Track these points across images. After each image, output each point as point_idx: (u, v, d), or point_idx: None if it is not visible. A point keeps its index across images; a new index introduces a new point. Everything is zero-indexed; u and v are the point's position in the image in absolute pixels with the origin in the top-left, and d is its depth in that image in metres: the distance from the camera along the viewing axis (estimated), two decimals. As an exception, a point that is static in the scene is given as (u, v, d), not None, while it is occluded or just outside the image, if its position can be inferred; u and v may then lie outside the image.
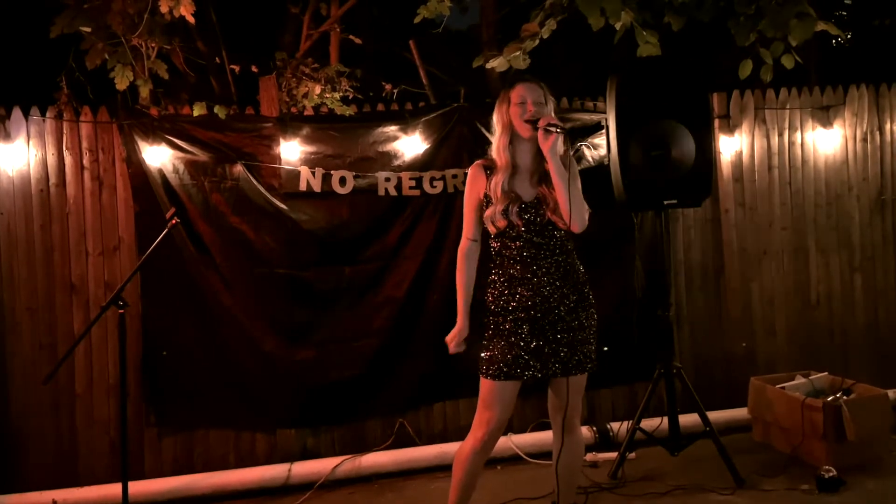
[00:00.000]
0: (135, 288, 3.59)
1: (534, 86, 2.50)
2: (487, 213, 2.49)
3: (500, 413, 2.48)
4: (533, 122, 2.43)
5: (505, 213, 2.45)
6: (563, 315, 2.47)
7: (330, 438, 3.80)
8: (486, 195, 2.52)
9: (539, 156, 2.48)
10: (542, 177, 2.49)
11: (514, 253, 2.48)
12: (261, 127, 3.69)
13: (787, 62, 3.41)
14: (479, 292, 2.60)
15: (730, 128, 4.25)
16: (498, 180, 2.48)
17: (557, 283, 2.47)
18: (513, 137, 2.50)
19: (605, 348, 3.92)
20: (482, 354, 2.51)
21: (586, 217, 2.45)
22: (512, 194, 2.47)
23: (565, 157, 2.47)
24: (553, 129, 2.37)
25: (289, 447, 3.73)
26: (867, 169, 4.44)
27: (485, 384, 2.49)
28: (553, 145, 2.38)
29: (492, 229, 2.51)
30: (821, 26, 3.24)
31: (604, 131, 3.91)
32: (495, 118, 2.55)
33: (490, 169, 2.53)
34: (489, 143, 2.62)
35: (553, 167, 2.40)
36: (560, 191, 2.40)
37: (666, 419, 3.54)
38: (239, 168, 3.64)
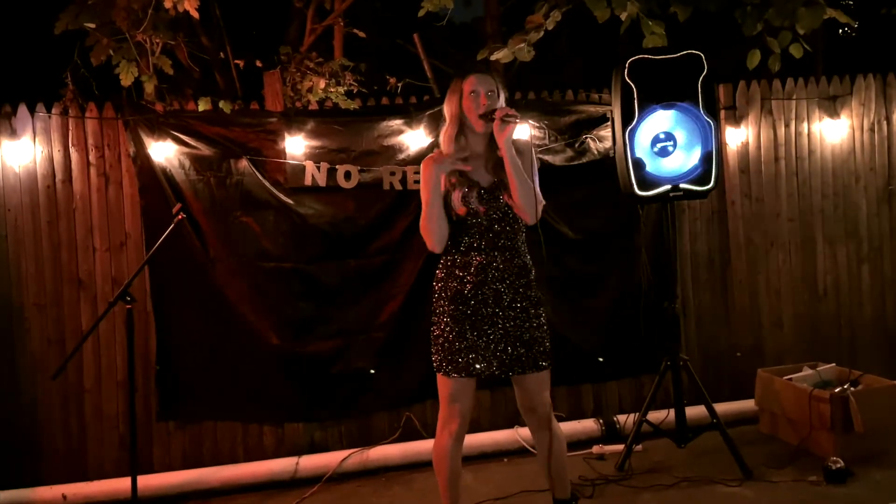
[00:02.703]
0: (143, 283, 3.61)
1: (486, 77, 2.48)
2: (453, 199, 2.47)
3: (467, 403, 2.51)
4: (488, 115, 2.41)
5: (464, 199, 2.44)
6: (515, 312, 2.46)
7: (337, 432, 3.81)
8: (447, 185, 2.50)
9: (492, 143, 2.47)
10: (497, 163, 2.47)
11: (470, 242, 2.46)
12: (265, 122, 3.69)
13: (796, 51, 3.39)
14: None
15: (736, 119, 4.23)
16: (451, 175, 2.46)
17: (503, 279, 2.46)
18: (463, 128, 2.49)
19: (601, 359, 3.95)
20: (435, 351, 2.51)
21: (539, 209, 2.44)
22: (469, 181, 2.46)
23: (528, 149, 2.47)
24: (510, 119, 2.35)
25: (296, 441, 3.75)
26: (874, 159, 4.41)
27: (443, 381, 2.50)
28: (508, 136, 2.37)
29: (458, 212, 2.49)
30: (830, 13, 3.22)
31: (609, 123, 3.90)
32: (445, 108, 2.52)
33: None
34: None
35: (507, 158, 2.38)
36: (513, 181, 2.40)
37: (673, 411, 3.54)
38: (244, 163, 3.64)
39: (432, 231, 2.45)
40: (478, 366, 2.45)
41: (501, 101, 2.49)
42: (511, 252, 2.48)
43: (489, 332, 2.46)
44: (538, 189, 2.46)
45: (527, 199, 2.40)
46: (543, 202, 2.47)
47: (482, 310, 2.45)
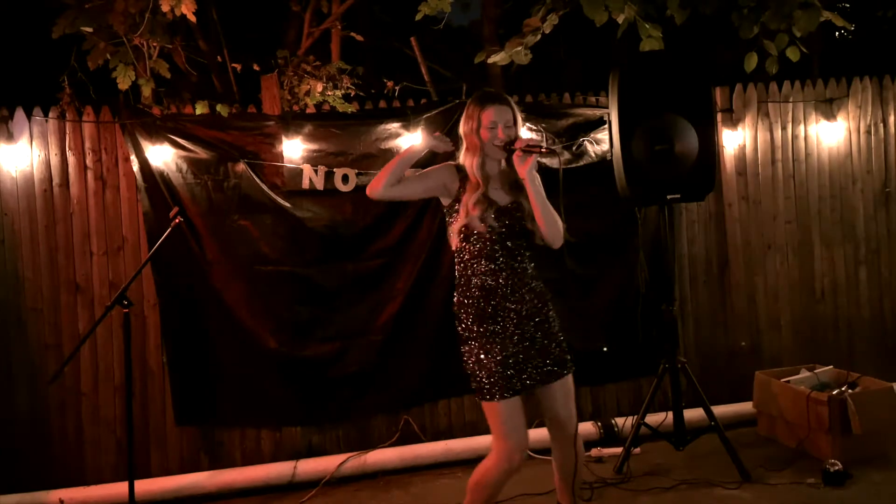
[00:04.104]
0: (140, 287, 3.61)
1: (504, 108, 2.46)
2: (456, 226, 2.47)
3: (523, 427, 2.44)
4: (508, 146, 2.43)
5: (482, 218, 2.44)
6: (531, 324, 2.46)
7: (335, 436, 3.80)
8: (454, 200, 2.49)
9: (509, 164, 2.49)
10: (513, 184, 2.49)
11: (485, 260, 2.45)
12: (263, 125, 3.69)
13: (793, 54, 3.39)
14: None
15: (733, 121, 4.23)
16: (473, 199, 2.44)
17: (525, 294, 2.46)
18: (483, 156, 2.48)
19: (605, 349, 3.94)
20: (473, 380, 2.46)
21: (562, 231, 2.45)
22: (488, 202, 2.45)
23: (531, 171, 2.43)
24: (531, 149, 2.37)
25: (294, 444, 3.74)
26: (871, 161, 4.42)
27: (488, 408, 2.43)
28: (531, 167, 2.38)
29: (455, 243, 2.48)
30: (826, 16, 3.22)
31: (606, 126, 3.91)
32: (463, 132, 2.51)
33: (462, 172, 2.51)
34: None
35: (531, 191, 2.39)
36: (537, 211, 2.41)
37: (671, 414, 3.54)
38: (241, 167, 3.64)
39: (386, 173, 2.44)
40: (513, 381, 2.41)
41: (520, 129, 2.50)
42: (522, 268, 2.48)
43: (517, 344, 2.44)
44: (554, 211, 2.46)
45: (552, 227, 2.42)
46: (564, 225, 2.47)
47: (506, 325, 2.45)
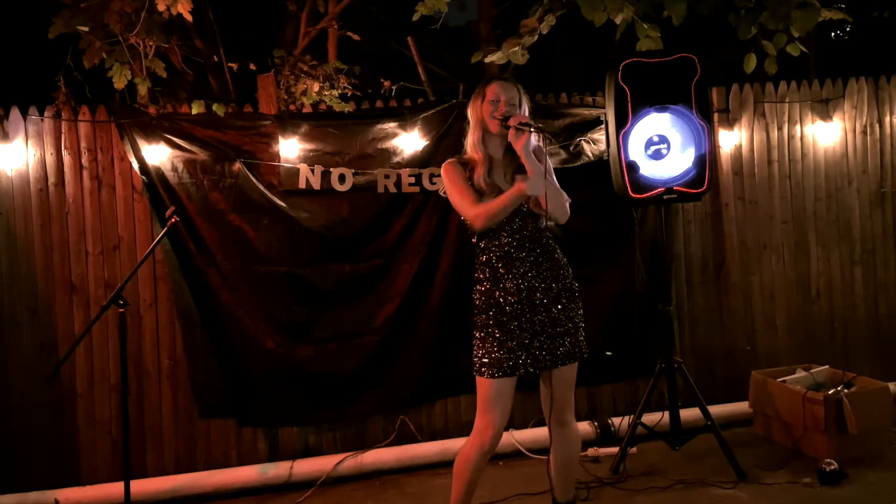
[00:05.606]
0: (136, 287, 3.60)
1: (509, 85, 2.52)
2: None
3: (502, 412, 2.49)
4: (503, 121, 2.45)
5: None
6: (547, 306, 2.48)
7: (332, 436, 3.80)
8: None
9: (510, 151, 2.51)
10: (516, 170, 2.51)
11: (499, 247, 2.49)
12: (259, 125, 3.69)
13: (793, 50, 3.40)
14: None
15: (729, 122, 4.24)
16: (479, 174, 2.50)
17: (541, 275, 2.49)
18: (484, 133, 2.53)
19: (609, 353, 3.94)
20: (475, 354, 2.51)
21: (567, 207, 2.50)
22: (494, 188, 2.49)
23: (539, 151, 2.49)
24: (524, 127, 2.39)
25: (290, 444, 3.74)
26: (867, 161, 4.43)
27: (482, 384, 2.49)
28: (525, 144, 2.41)
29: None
30: (825, 15, 3.23)
31: (603, 126, 3.91)
32: (469, 112, 2.57)
33: (465, 164, 2.55)
34: None
35: (528, 165, 2.42)
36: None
37: (667, 414, 3.55)
38: (238, 166, 3.63)
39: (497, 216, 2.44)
40: (515, 364, 2.45)
41: (525, 110, 2.52)
42: (538, 251, 2.50)
43: (527, 331, 2.47)
44: (558, 185, 2.49)
45: (556, 205, 2.44)
46: (570, 200, 2.51)
47: (521, 310, 2.47)
